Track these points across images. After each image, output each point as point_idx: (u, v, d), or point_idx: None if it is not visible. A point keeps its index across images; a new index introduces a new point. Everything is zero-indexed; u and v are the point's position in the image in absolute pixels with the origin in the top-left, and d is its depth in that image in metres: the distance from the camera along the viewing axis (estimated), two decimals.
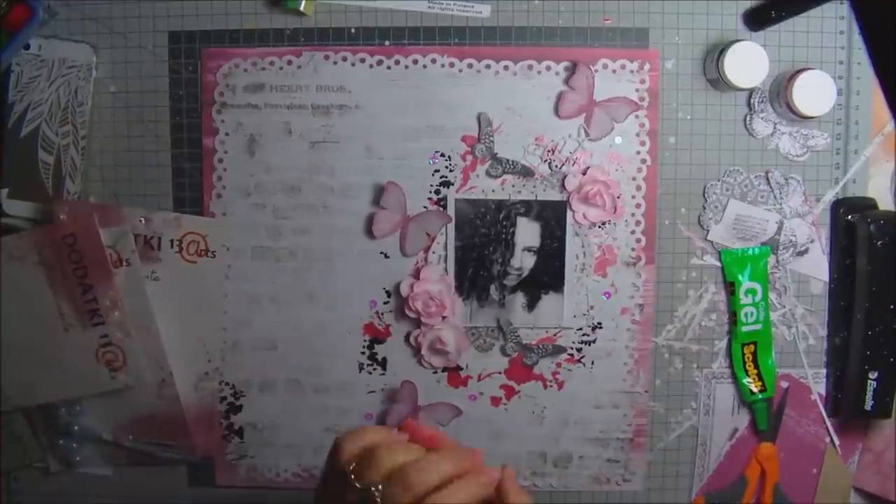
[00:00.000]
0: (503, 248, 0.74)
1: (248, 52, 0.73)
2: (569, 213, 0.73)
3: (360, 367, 0.75)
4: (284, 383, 0.76)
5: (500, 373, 0.75)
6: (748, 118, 0.73)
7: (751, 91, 0.73)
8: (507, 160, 0.73)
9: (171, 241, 0.73)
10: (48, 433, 0.76)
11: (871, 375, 0.71)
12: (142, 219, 0.73)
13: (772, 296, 0.75)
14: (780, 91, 0.71)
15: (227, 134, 0.74)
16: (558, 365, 0.75)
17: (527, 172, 0.73)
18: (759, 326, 0.74)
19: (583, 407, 0.75)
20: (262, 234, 0.74)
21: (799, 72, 0.69)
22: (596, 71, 0.72)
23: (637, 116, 0.73)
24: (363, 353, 0.75)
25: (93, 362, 0.73)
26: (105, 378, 0.73)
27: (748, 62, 0.69)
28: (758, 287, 0.74)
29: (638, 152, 0.73)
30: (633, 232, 0.74)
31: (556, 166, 0.73)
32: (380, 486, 0.45)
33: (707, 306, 0.75)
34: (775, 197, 0.74)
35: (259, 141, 0.74)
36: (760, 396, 0.75)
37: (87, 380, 0.73)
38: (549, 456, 0.76)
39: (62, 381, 0.73)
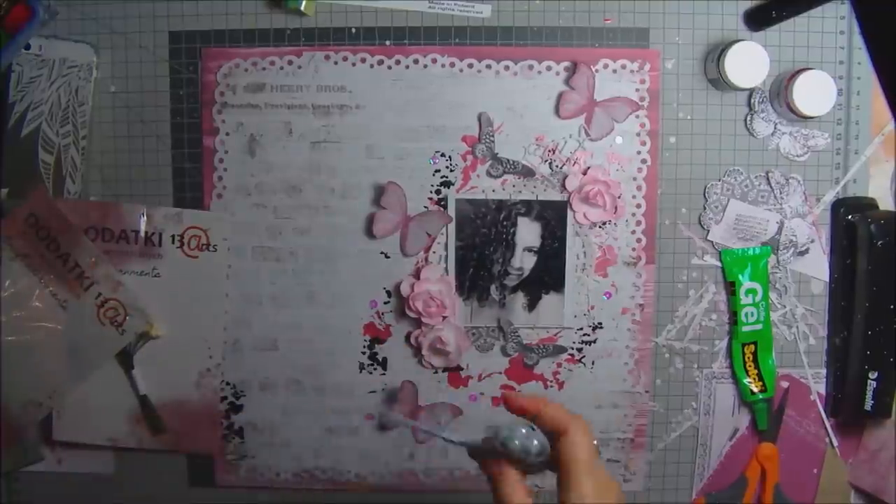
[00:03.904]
0: (504, 248, 0.74)
1: (248, 52, 0.73)
2: (569, 213, 0.73)
3: (361, 367, 0.75)
4: (285, 383, 0.76)
5: (500, 373, 0.75)
6: (748, 118, 0.73)
7: (751, 91, 0.73)
8: (508, 160, 0.73)
9: (173, 236, 0.73)
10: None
11: (871, 375, 0.71)
12: (143, 213, 0.73)
13: (772, 296, 0.75)
14: (780, 91, 0.71)
15: (227, 134, 0.74)
16: (559, 365, 0.75)
17: (527, 172, 0.73)
18: (759, 326, 0.74)
19: (583, 407, 0.75)
20: (262, 234, 0.74)
21: (799, 72, 0.69)
22: (596, 71, 0.72)
23: (637, 116, 0.73)
24: (363, 353, 0.75)
25: (98, 327, 0.73)
26: (114, 337, 0.73)
27: (748, 62, 0.69)
28: (758, 287, 0.74)
29: (638, 152, 0.73)
30: (633, 232, 0.74)
31: (557, 166, 0.73)
32: None
33: (707, 306, 0.75)
34: (776, 197, 0.74)
35: (259, 141, 0.74)
36: (761, 396, 0.75)
37: (101, 347, 0.73)
38: None
39: (81, 361, 0.73)
